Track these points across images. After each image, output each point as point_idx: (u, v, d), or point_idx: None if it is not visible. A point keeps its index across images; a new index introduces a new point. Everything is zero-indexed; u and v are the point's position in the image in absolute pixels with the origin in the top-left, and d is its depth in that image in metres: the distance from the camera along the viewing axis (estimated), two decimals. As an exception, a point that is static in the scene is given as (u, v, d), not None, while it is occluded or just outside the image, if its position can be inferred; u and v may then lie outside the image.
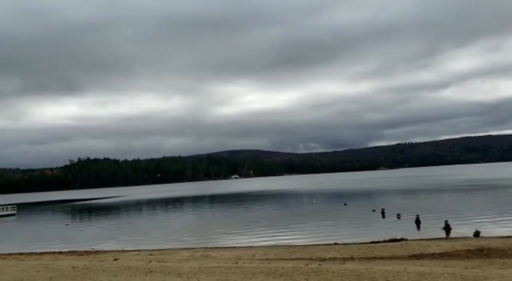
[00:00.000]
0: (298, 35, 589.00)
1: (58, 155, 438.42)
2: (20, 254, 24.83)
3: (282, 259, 18.33)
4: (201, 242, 26.43)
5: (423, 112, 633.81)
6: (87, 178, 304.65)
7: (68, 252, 24.06)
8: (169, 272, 15.47)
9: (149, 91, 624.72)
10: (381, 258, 17.80)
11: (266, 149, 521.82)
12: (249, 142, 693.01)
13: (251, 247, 22.47)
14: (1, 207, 67.27)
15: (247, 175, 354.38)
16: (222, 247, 22.20)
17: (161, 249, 22.62)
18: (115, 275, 15.35)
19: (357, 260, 17.74)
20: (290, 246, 21.39)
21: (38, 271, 16.78)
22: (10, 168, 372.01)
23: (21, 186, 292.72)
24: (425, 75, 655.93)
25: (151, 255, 20.91)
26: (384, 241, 21.90)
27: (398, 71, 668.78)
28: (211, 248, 22.10)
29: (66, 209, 79.74)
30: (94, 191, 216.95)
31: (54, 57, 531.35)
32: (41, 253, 24.15)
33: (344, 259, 17.76)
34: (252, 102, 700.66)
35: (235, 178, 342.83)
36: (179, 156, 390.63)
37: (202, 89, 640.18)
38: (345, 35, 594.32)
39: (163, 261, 18.26)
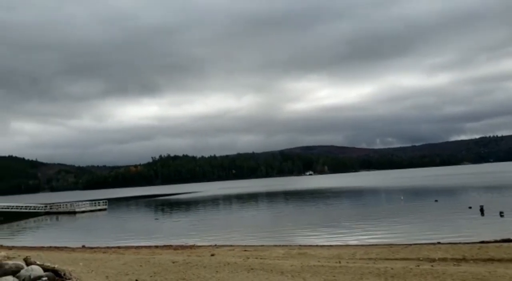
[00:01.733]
0: (370, 28, 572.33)
1: (140, 153, 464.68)
2: (119, 247, 25.78)
3: (386, 259, 17.22)
4: (289, 238, 25.86)
5: (508, 104, 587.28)
6: (167, 174, 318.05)
7: (164, 246, 24.56)
8: (271, 270, 15.01)
9: (222, 90, 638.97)
10: (499, 260, 16.11)
11: (340, 145, 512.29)
12: (322, 138, 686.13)
13: (348, 245, 21.53)
14: (94, 202, 71.63)
15: (321, 172, 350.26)
16: (317, 245, 21.43)
17: (254, 245, 22.33)
18: (217, 271, 15.16)
19: (471, 261, 16.20)
20: (391, 245, 20.16)
21: (141, 266, 17.04)
22: (97, 166, 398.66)
23: (108, 182, 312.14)
24: (509, 64, 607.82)
25: (245, 251, 20.67)
26: (496, 241, 19.96)
27: (478, 61, 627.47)
28: (306, 246, 21.41)
29: (152, 204, 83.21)
30: (174, 186, 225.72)
31: (133, 60, 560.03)
32: (138, 247, 24.88)
33: (457, 261, 16.30)
34: (324, 98, 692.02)
35: (310, 174, 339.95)
36: (253, 153, 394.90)
37: (273, 86, 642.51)
38: (419, 25, 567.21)
39: (260, 258, 17.89)
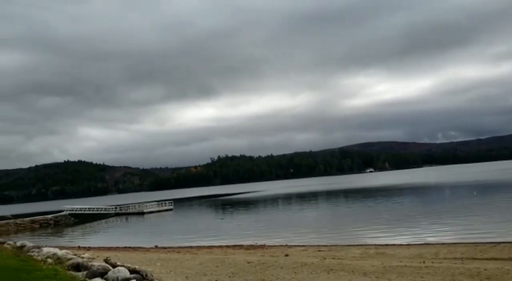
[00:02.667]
0: (428, 19, 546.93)
1: (199, 154, 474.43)
2: (191, 247, 26.12)
3: (474, 258, 16.13)
4: (362, 238, 25.04)
5: None
6: (226, 174, 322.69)
7: (235, 246, 24.58)
8: (352, 271, 14.46)
9: (277, 90, 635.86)
10: None
11: (401, 140, 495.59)
12: (381, 134, 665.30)
13: (427, 244, 20.47)
14: (160, 202, 73.83)
15: (383, 168, 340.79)
16: (394, 245, 20.51)
17: (327, 245, 21.78)
18: (295, 272, 14.83)
19: None
20: (476, 244, 18.91)
21: (217, 266, 17.05)
22: (160, 167, 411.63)
23: (170, 183, 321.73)
24: None
25: (319, 251, 20.20)
26: None
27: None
28: (382, 245, 20.57)
29: (214, 203, 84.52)
30: (233, 186, 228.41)
31: (191, 65, 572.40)
32: (210, 247, 25.08)
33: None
34: (382, 93, 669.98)
35: (370, 171, 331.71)
36: (310, 151, 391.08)
37: (329, 83, 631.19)
38: (481, 13, 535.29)
39: (338, 259, 17.35)
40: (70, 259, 13.24)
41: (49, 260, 13.09)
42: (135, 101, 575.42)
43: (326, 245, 21.66)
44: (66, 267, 11.91)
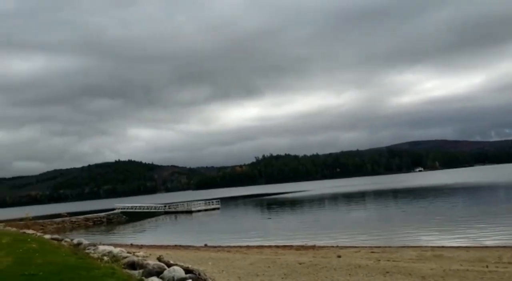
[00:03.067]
0: (478, 12, 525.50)
1: (244, 153, 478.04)
2: (240, 247, 26.17)
3: (542, 264, 15.14)
4: (415, 239, 24.16)
5: None
6: (271, 173, 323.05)
7: (285, 246, 24.38)
8: (409, 274, 13.93)
9: (322, 88, 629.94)
10: None
11: (451, 139, 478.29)
12: (430, 132, 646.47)
13: (487, 247, 19.47)
14: (207, 201, 74.75)
15: (432, 167, 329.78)
16: (452, 247, 19.63)
17: (380, 246, 21.15)
18: (349, 274, 14.47)
19: None
20: (543, 248, 17.78)
21: (269, 267, 16.92)
22: (206, 167, 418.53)
23: (216, 182, 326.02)
24: None
25: (372, 252, 19.66)
26: None
27: None
28: (439, 247, 19.74)
29: (260, 203, 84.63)
30: (278, 185, 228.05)
31: (235, 65, 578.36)
32: (259, 247, 25.02)
33: None
34: (430, 90, 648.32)
35: (419, 171, 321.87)
36: (357, 150, 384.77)
37: (375, 80, 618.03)
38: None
39: (393, 261, 16.79)
40: (125, 257, 13.47)
41: (105, 258, 13.37)
42: (181, 101, 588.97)
43: (379, 246, 21.04)
44: (122, 266, 12.12)
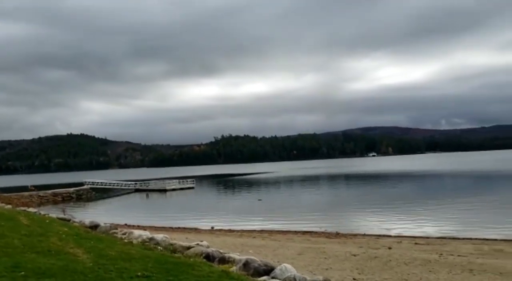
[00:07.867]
0: (437, 3, 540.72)
1: (202, 132, 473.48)
2: (252, 231, 24.40)
3: None
4: (457, 230, 22.97)
5: None
6: (230, 154, 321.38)
7: (311, 232, 22.72)
8: (500, 273, 12.78)
9: (282, 70, 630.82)
10: None
11: (403, 126, 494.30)
12: (384, 118, 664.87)
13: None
14: (182, 180, 72.21)
15: (385, 153, 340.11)
16: (506, 240, 18.67)
17: (423, 237, 20.04)
18: (430, 271, 13.16)
19: None
20: None
21: (325, 258, 15.39)
22: (162, 144, 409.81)
23: (173, 160, 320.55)
24: None
25: (416, 244, 18.54)
26: None
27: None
28: (491, 239, 18.78)
29: (232, 183, 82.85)
30: (238, 166, 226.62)
31: (196, 41, 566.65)
32: (282, 232, 23.23)
33: None
34: (387, 77, 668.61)
35: (373, 156, 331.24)
36: (314, 134, 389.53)
37: (334, 65, 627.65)
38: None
39: (458, 255, 15.64)
40: (189, 247, 11.47)
41: (159, 248, 11.22)
42: (138, 76, 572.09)
43: (421, 237, 19.96)
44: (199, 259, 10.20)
